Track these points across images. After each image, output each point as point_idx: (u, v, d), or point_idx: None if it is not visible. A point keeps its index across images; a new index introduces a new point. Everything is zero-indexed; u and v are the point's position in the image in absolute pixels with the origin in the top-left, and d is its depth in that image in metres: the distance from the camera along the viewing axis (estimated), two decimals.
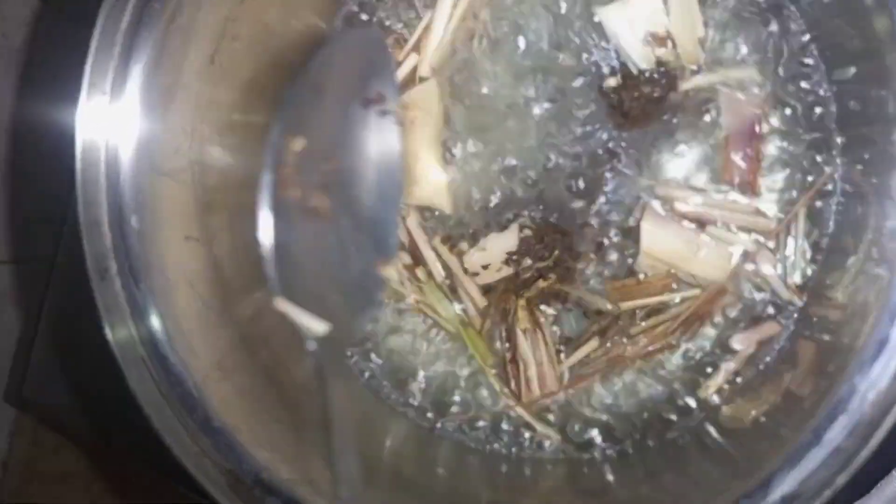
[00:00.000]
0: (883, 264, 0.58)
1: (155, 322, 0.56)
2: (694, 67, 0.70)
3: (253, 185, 0.75)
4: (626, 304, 0.69)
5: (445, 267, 0.73)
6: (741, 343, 0.69)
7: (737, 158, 0.69)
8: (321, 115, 0.63)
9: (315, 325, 0.57)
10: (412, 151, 0.72)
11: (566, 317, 0.73)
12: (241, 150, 0.71)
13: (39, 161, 0.94)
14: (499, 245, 0.72)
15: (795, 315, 0.70)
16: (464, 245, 0.73)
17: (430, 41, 0.73)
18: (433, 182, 0.73)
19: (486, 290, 0.72)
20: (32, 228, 1.24)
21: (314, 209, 0.61)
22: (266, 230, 0.60)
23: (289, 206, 0.61)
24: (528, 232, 0.71)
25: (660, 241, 0.68)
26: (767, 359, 0.70)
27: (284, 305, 0.58)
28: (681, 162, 0.71)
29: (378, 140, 0.61)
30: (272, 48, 0.71)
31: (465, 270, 0.72)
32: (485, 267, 0.71)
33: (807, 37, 0.70)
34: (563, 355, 0.71)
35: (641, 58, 0.70)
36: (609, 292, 0.70)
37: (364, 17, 0.77)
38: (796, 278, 0.69)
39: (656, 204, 0.70)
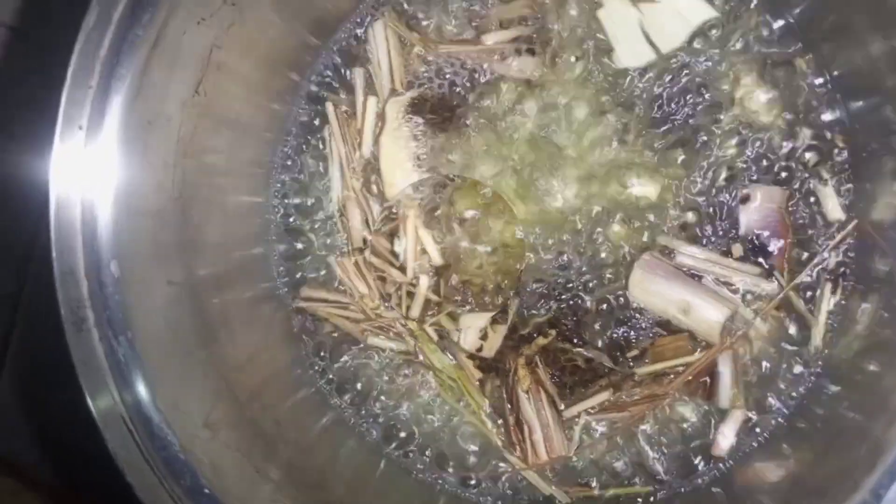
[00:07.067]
0: None
1: (137, 378, 0.51)
2: None
3: (243, 217, 0.71)
4: (642, 371, 0.67)
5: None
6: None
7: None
8: None
9: None
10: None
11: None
12: (228, 183, 0.67)
13: (5, 197, 0.87)
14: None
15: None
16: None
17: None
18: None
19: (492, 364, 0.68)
20: None
21: None
22: None
23: None
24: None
25: (649, 290, 0.65)
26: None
27: None
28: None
29: None
30: (259, 76, 0.67)
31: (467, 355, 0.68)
32: (483, 338, 0.68)
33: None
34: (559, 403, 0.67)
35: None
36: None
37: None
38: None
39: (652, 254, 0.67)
